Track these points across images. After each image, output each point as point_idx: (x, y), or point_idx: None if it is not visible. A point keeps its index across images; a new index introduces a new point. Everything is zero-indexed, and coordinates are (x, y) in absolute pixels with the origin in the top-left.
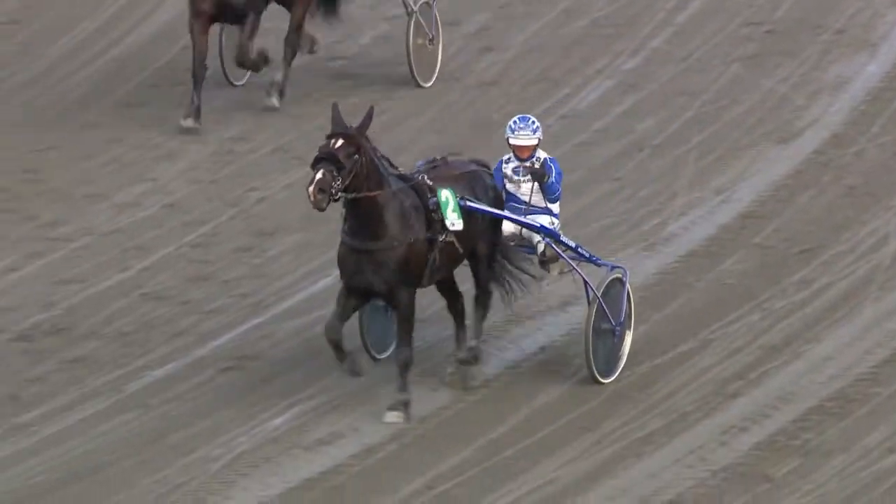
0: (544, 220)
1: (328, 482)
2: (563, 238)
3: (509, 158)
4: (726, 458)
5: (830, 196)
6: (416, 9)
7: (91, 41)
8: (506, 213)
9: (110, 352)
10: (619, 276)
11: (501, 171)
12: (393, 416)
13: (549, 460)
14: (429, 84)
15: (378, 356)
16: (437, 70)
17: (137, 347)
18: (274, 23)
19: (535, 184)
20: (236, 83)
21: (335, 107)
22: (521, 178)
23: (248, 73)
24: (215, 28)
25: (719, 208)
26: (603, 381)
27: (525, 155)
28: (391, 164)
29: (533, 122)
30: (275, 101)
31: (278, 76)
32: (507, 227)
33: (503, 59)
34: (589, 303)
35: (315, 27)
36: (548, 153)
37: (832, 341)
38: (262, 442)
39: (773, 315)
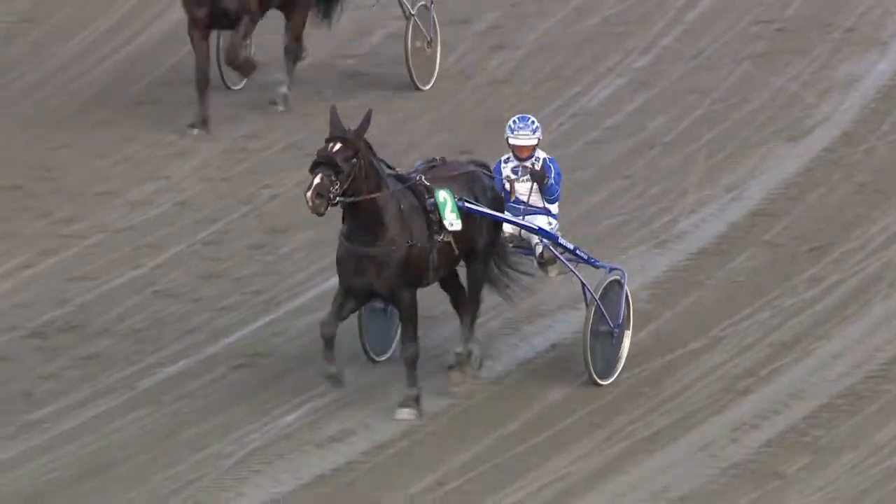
0: (542, 220)
1: (340, 478)
2: (562, 240)
3: (508, 158)
4: (737, 454)
5: (841, 194)
6: (413, 12)
7: (103, 40)
8: (503, 215)
9: (123, 349)
10: (618, 277)
11: (500, 171)
12: (404, 413)
13: (559, 457)
14: (427, 87)
15: (377, 358)
16: (435, 73)
17: (150, 344)
18: (275, 23)
19: (534, 184)
20: (233, 87)
21: (333, 109)
22: (520, 178)
23: (246, 78)
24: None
25: (730, 206)
26: (601, 382)
27: (524, 155)
28: (388, 166)
29: (532, 122)
30: (280, 108)
31: (283, 88)
32: (506, 228)
33: (514, 57)
34: (587, 305)
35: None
36: (558, 151)
37: (842, 338)
38: (275, 438)
39: (784, 312)
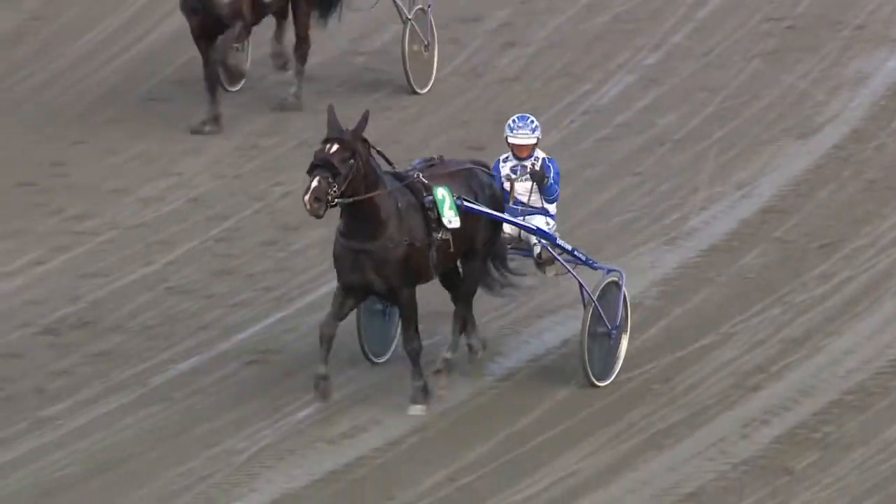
0: (540, 220)
1: (351, 475)
2: (560, 241)
3: (507, 157)
4: (747, 450)
5: (850, 191)
6: (410, 16)
7: (114, 38)
8: (502, 214)
9: (135, 345)
10: (616, 279)
11: (499, 170)
12: (416, 409)
13: (570, 453)
14: (424, 90)
15: (376, 360)
16: (433, 76)
17: (162, 341)
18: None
19: (533, 184)
20: (230, 89)
21: (331, 109)
22: (520, 178)
23: (243, 80)
24: None
25: (740, 203)
26: (598, 384)
27: (523, 154)
28: (387, 161)
29: (532, 122)
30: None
31: (293, 88)
32: (506, 229)
33: (525, 54)
34: (585, 306)
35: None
36: (568, 148)
37: (852, 335)
38: (286, 435)
39: (794, 309)
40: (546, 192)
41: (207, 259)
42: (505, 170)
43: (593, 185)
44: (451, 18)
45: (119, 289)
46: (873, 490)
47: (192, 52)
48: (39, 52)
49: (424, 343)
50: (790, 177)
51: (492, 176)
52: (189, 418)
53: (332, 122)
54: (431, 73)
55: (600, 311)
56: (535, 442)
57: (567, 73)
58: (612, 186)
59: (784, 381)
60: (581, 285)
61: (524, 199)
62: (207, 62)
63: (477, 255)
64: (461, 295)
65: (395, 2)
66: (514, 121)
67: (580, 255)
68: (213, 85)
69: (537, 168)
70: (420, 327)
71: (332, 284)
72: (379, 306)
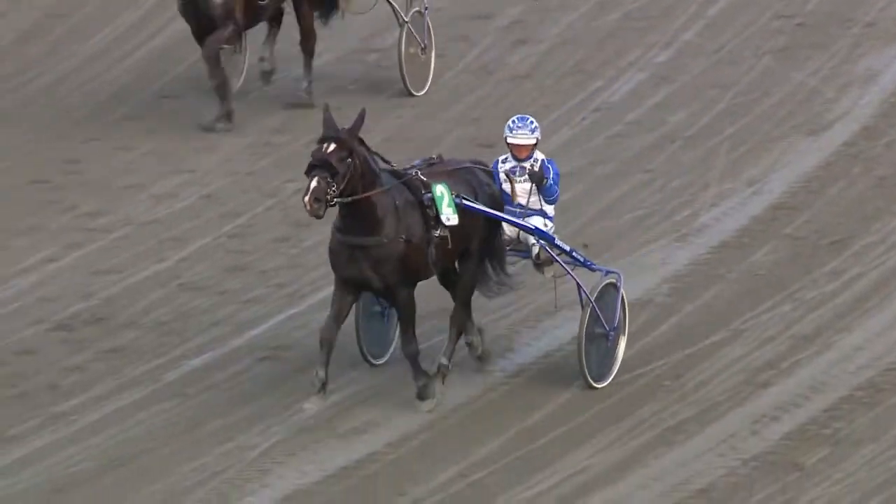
0: (538, 221)
1: (363, 470)
2: (558, 241)
3: (506, 158)
4: (757, 446)
5: (860, 187)
6: (407, 19)
7: (128, 35)
8: (500, 213)
9: (148, 341)
10: (614, 281)
11: (498, 171)
12: (427, 405)
13: (581, 449)
14: (421, 93)
15: (375, 361)
16: (429, 79)
17: (175, 337)
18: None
19: (532, 185)
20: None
21: (326, 109)
22: (518, 179)
23: (240, 82)
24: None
25: (751, 200)
26: (596, 386)
27: (523, 155)
28: (384, 160)
29: (531, 122)
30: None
31: (304, 83)
32: (505, 230)
33: (536, 52)
34: (582, 307)
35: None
36: (579, 145)
37: (862, 331)
38: (299, 430)
39: (804, 305)
40: (545, 192)
41: (220, 256)
42: (503, 171)
43: (604, 182)
44: (462, 16)
45: (132, 285)
46: (883, 486)
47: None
48: (53, 49)
49: (425, 344)
50: (800, 174)
51: (491, 175)
52: (201, 414)
53: (328, 122)
54: (428, 75)
55: (598, 312)
56: (545, 438)
57: (578, 71)
58: (623, 183)
59: (794, 377)
60: (579, 286)
61: (523, 201)
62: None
63: (473, 256)
64: (458, 296)
65: (391, 4)
66: (513, 121)
67: (578, 257)
68: (220, 84)
69: (536, 169)
70: (419, 330)
71: None
72: (377, 308)
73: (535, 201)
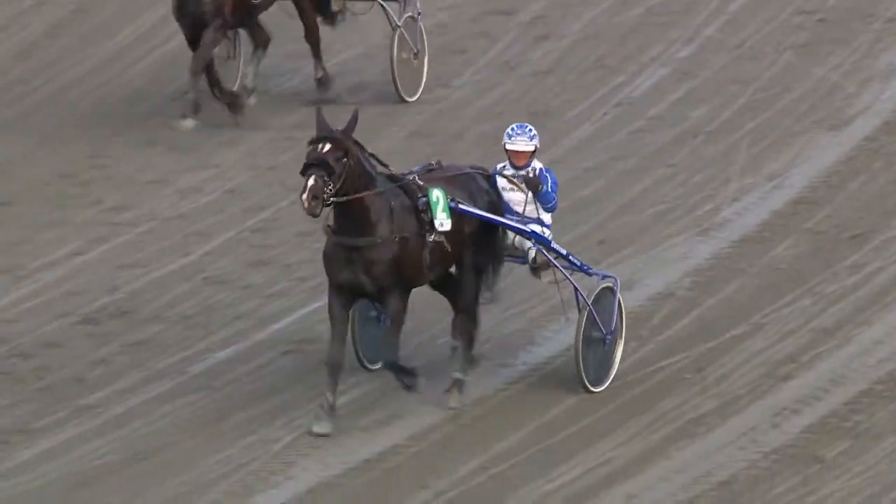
0: (535, 229)
1: (386, 463)
2: (555, 245)
3: (504, 167)
4: (778, 439)
5: (881, 182)
6: (400, 23)
7: (155, 30)
8: (496, 217)
9: (173, 335)
10: (610, 285)
11: (497, 178)
12: (453, 401)
13: (603, 442)
14: (413, 98)
15: (371, 367)
16: (422, 84)
17: (199, 330)
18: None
19: (529, 194)
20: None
21: (319, 111)
22: (516, 187)
23: (236, 86)
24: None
25: (772, 194)
26: (593, 389)
27: (521, 162)
28: (382, 164)
29: (530, 130)
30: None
31: (318, 73)
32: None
33: (558, 47)
34: (579, 310)
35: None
36: (601, 140)
37: (883, 325)
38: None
39: (825, 299)
40: (542, 199)
41: (244, 250)
42: (501, 181)
43: (626, 176)
44: (484, 11)
45: (157, 279)
46: None
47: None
48: (80, 43)
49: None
50: (821, 168)
51: (491, 180)
52: (226, 407)
53: (322, 124)
54: (421, 81)
55: (595, 315)
56: (567, 431)
57: (600, 66)
58: (645, 178)
59: (815, 370)
60: (576, 289)
61: (519, 210)
62: (207, 72)
63: (472, 263)
64: (461, 306)
65: (384, 9)
66: (512, 128)
67: (575, 261)
68: (192, 88)
69: (531, 176)
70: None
71: None
72: (373, 313)
73: (533, 210)
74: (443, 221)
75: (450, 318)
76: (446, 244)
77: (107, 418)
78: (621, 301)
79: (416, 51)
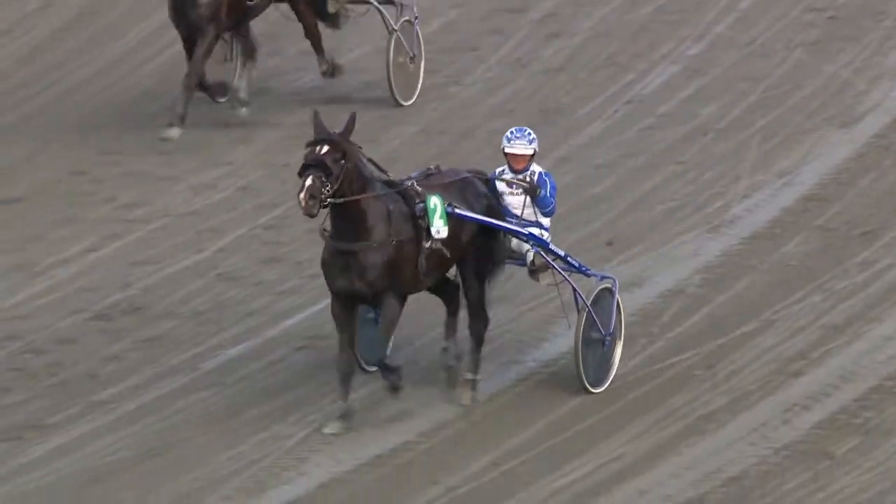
0: (533, 230)
1: (397, 459)
2: (553, 247)
3: (503, 171)
4: (788, 435)
5: (891, 179)
6: (396, 27)
7: (161, 31)
8: (493, 220)
9: (186, 331)
10: (609, 286)
11: (495, 182)
12: (465, 398)
13: (613, 438)
14: (408, 103)
15: (368, 368)
16: (417, 89)
17: (212, 326)
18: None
19: (526, 197)
20: (219, 100)
21: (316, 114)
22: (514, 192)
23: (234, 85)
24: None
25: (782, 191)
26: (593, 390)
27: (520, 166)
28: (380, 169)
29: (529, 134)
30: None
31: (323, 67)
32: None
33: (570, 45)
34: (578, 312)
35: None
36: (612, 137)
37: (893, 321)
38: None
39: (835, 296)
40: (540, 203)
41: (256, 247)
42: (500, 184)
43: (636, 174)
44: (496, 9)
45: (170, 275)
46: None
47: None
48: (93, 41)
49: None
50: (832, 165)
51: (489, 185)
52: (238, 403)
53: (319, 127)
54: (416, 85)
55: (594, 317)
56: (578, 427)
57: (611, 64)
58: (656, 175)
59: (825, 367)
60: (575, 290)
61: (518, 213)
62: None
63: (472, 268)
64: (469, 309)
65: (381, 13)
66: (511, 132)
67: (573, 262)
68: (188, 89)
69: (533, 181)
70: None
71: None
72: (371, 314)
73: (530, 214)
74: (439, 229)
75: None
76: (444, 251)
77: (119, 414)
78: (620, 302)
79: (412, 55)
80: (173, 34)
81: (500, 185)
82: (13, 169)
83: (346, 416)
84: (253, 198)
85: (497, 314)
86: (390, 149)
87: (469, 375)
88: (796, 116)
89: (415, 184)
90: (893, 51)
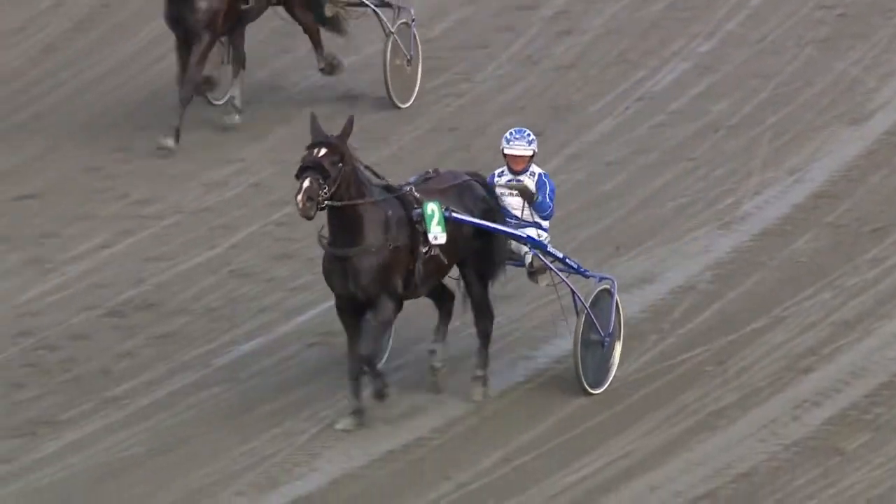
0: (531, 232)
1: (409, 455)
2: (551, 249)
3: (502, 172)
4: (798, 432)
5: None
6: (393, 30)
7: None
8: (490, 224)
9: (199, 327)
10: (607, 287)
11: (494, 184)
12: (477, 394)
13: (624, 434)
14: (406, 105)
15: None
16: (415, 91)
17: (225, 322)
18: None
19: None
20: (216, 102)
21: (313, 117)
22: (513, 193)
23: (229, 92)
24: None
25: (792, 188)
26: (592, 391)
27: (519, 167)
28: (377, 175)
29: (529, 135)
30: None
31: (321, 64)
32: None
33: (581, 42)
34: (577, 313)
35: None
36: (623, 134)
37: None
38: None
39: (845, 292)
40: (537, 208)
41: (268, 243)
42: (500, 184)
43: (648, 171)
44: (507, 6)
45: (183, 272)
46: None
47: (254, 41)
48: (105, 40)
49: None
50: (842, 162)
51: (487, 187)
52: (251, 399)
53: (316, 129)
54: (414, 87)
55: (593, 318)
56: (589, 423)
57: (622, 61)
58: (667, 172)
59: (835, 363)
60: (574, 292)
61: (517, 213)
62: (184, 74)
63: (472, 272)
64: (474, 311)
65: (377, 15)
66: (511, 133)
67: (572, 263)
68: (185, 102)
69: (532, 182)
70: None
71: None
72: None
73: (529, 215)
74: (437, 235)
75: (457, 319)
76: (442, 257)
77: (132, 410)
78: (619, 302)
79: (409, 57)
80: None
81: (499, 187)
82: (26, 166)
83: (358, 412)
84: (265, 194)
85: (507, 311)
86: (401, 146)
87: (479, 372)
88: (807, 113)
89: (413, 189)
90: None
